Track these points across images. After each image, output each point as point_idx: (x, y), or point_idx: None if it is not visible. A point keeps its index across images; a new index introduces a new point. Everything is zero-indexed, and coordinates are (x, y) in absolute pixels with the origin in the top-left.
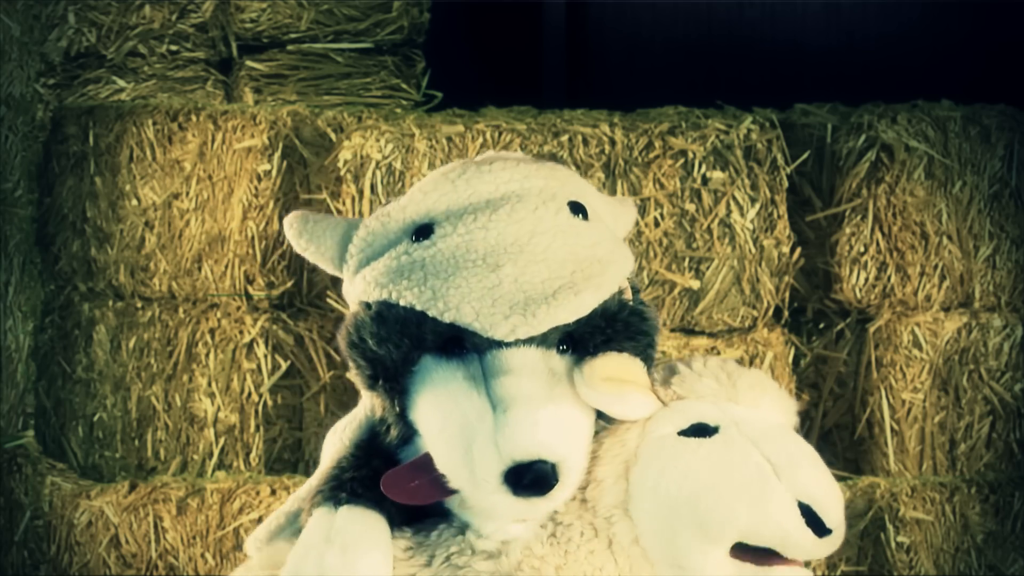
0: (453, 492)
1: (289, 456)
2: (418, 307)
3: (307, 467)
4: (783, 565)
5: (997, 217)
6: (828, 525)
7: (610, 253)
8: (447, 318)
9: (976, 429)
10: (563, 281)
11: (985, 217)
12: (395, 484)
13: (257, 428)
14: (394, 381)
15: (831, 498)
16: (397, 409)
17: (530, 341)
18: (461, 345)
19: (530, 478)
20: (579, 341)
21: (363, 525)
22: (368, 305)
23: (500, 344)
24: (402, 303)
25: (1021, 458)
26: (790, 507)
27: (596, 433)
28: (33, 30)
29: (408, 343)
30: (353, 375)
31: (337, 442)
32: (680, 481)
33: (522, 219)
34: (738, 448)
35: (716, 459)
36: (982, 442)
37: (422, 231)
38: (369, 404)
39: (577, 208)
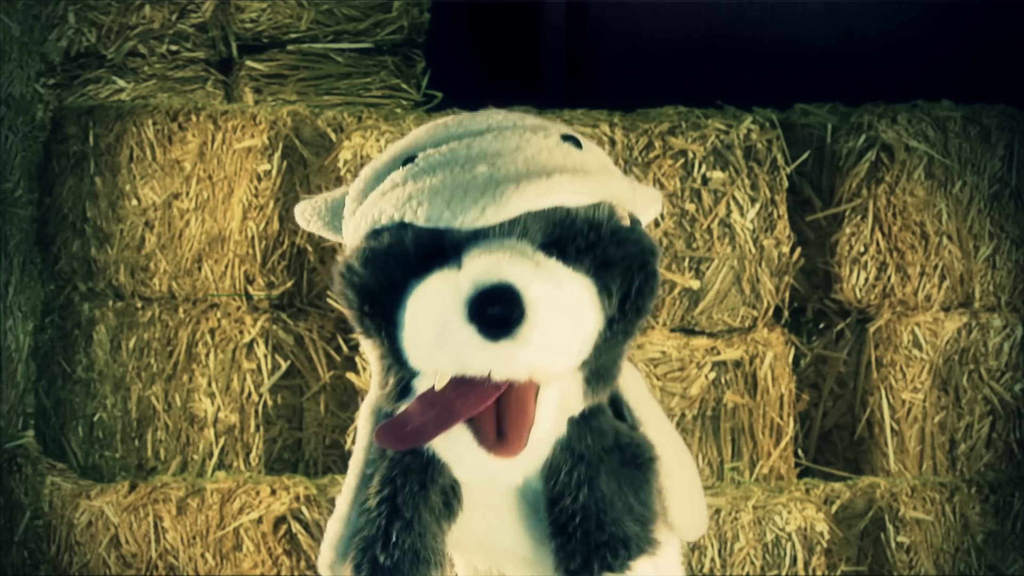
0: (447, 426)
1: (289, 456)
2: (396, 217)
3: (307, 467)
4: None
5: (997, 217)
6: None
7: (600, 170)
8: (421, 217)
9: (976, 429)
10: (538, 170)
11: (985, 217)
12: (389, 434)
13: (257, 428)
14: (382, 307)
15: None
16: (386, 341)
17: (510, 233)
18: (444, 254)
19: (492, 302)
20: (562, 246)
21: None
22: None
23: (479, 236)
24: (384, 221)
25: (1021, 458)
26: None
27: None
28: (33, 30)
29: (393, 261)
30: (348, 316)
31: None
32: None
33: (508, 138)
34: None
35: None
36: (982, 442)
37: (408, 160)
38: (375, 378)
39: (569, 138)
